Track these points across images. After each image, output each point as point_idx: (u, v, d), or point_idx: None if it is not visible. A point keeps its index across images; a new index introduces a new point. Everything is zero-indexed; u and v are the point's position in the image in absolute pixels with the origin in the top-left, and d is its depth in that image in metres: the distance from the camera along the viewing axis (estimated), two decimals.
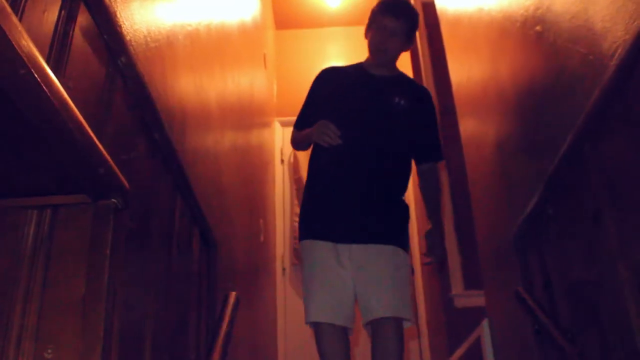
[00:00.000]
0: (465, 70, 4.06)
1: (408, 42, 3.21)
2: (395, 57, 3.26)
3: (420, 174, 3.28)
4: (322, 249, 2.90)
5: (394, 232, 2.97)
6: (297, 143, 3.36)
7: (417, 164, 3.27)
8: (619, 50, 1.71)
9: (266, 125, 6.09)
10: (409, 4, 3.28)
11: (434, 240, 3.11)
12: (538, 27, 2.42)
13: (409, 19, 3.13)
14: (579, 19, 2.03)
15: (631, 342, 1.77)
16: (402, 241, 2.97)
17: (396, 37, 3.11)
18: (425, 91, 3.41)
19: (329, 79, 3.31)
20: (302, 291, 2.96)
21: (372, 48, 3.21)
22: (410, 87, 3.33)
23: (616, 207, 1.87)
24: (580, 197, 2.14)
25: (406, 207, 3.14)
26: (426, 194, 3.26)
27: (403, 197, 3.15)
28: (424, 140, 3.24)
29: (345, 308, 2.81)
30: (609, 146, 1.89)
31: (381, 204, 2.99)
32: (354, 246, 2.88)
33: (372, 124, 3.07)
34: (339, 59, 7.35)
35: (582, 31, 2.01)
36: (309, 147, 3.21)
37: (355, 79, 3.26)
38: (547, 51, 2.36)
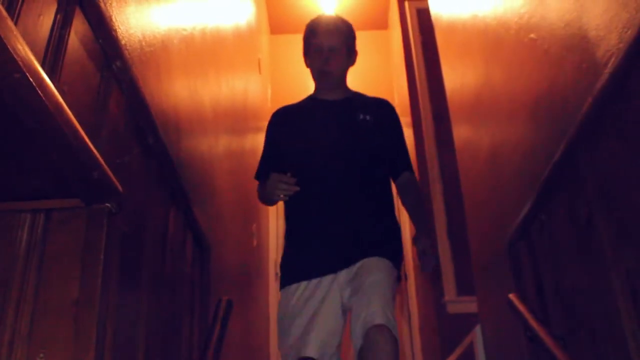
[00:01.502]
0: (459, 77, 4.07)
1: (350, 56, 3.00)
2: (343, 77, 3.01)
3: (398, 188, 2.98)
4: (307, 289, 2.59)
5: (377, 246, 2.67)
6: (264, 200, 2.94)
7: (393, 179, 2.99)
8: (613, 59, 1.71)
9: (260, 129, 6.06)
10: (336, 17, 3.09)
11: (423, 246, 2.78)
12: (532, 35, 2.43)
13: (342, 31, 2.94)
14: (573, 27, 2.04)
15: (623, 348, 1.77)
16: (386, 252, 2.67)
17: (335, 54, 2.88)
18: (386, 102, 3.11)
19: (283, 120, 3.03)
20: (280, 334, 2.63)
21: (316, 74, 2.97)
22: (370, 101, 3.06)
23: (608, 214, 1.88)
24: (573, 203, 2.14)
25: (393, 223, 2.86)
26: (408, 205, 2.96)
27: (390, 215, 2.87)
28: (395, 154, 2.97)
29: (337, 337, 2.56)
30: (601, 154, 1.90)
31: (363, 225, 2.71)
32: (341, 272, 2.61)
33: (340, 148, 2.80)
34: None
35: (576, 39, 2.02)
36: (276, 202, 2.84)
37: (310, 110, 3.00)
38: (541, 59, 2.37)
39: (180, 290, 2.29)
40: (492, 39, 3.10)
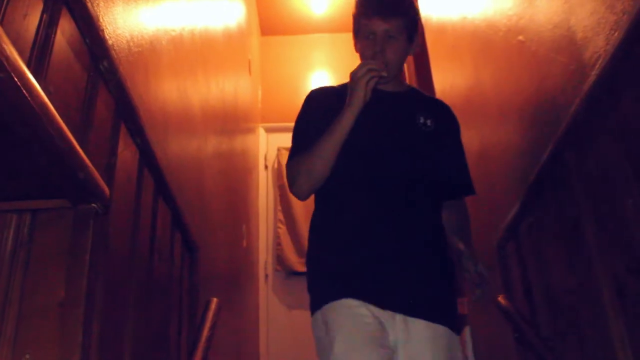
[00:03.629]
0: (448, 78, 4.08)
1: (411, 43, 2.25)
2: (399, 67, 2.31)
3: (447, 207, 2.34)
4: (363, 314, 1.97)
5: (449, 304, 2.12)
6: (310, 165, 2.11)
7: (446, 199, 2.34)
8: (600, 60, 1.72)
9: (250, 131, 6.08)
10: None
11: (480, 269, 2.09)
12: (521, 37, 2.44)
13: (404, 12, 2.19)
14: (561, 28, 2.04)
15: (610, 348, 1.78)
16: (456, 319, 2.11)
17: (393, 41, 2.16)
18: (447, 107, 2.45)
19: (330, 100, 2.26)
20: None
21: (367, 58, 2.19)
22: (431, 103, 2.43)
23: (596, 215, 1.89)
24: (561, 205, 2.15)
25: (451, 262, 2.23)
26: (456, 224, 2.32)
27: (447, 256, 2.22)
28: (455, 171, 2.34)
29: None
30: (589, 155, 1.91)
31: (430, 256, 2.11)
32: (399, 317, 1.99)
33: (400, 153, 2.17)
34: (324, 65, 7.36)
35: (564, 41, 2.02)
36: (329, 168, 2.10)
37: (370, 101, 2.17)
38: (529, 60, 2.37)
39: (168, 292, 2.28)
40: (481, 41, 3.10)
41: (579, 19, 1.91)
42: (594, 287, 1.87)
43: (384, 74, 2.05)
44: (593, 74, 1.75)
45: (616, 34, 1.64)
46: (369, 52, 2.19)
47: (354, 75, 2.04)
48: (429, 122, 2.26)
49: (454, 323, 2.06)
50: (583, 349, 2.04)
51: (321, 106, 2.30)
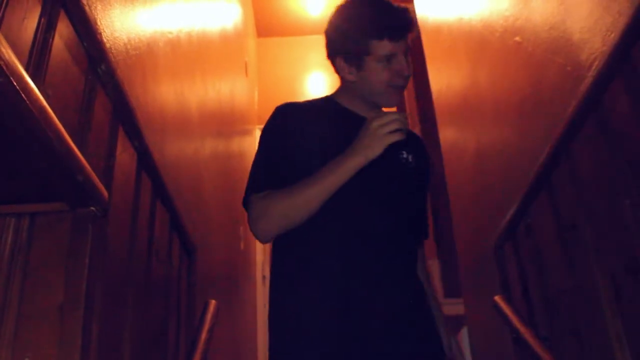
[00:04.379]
0: (445, 79, 4.08)
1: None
2: None
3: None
4: None
5: (434, 341, 1.88)
6: (289, 210, 1.76)
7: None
8: (597, 62, 1.73)
9: (247, 132, 6.08)
10: (406, 9, 1.89)
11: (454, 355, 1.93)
12: (517, 38, 2.45)
13: (414, 22, 1.89)
14: (558, 30, 2.05)
15: (608, 349, 1.78)
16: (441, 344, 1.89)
17: (408, 59, 1.87)
18: (423, 143, 2.16)
19: (299, 121, 1.93)
20: None
21: (379, 87, 1.85)
22: (410, 136, 1.98)
23: (592, 216, 1.89)
24: (558, 206, 2.16)
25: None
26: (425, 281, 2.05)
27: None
28: (423, 212, 2.11)
29: None
30: (585, 156, 1.91)
31: (412, 306, 1.83)
32: None
33: (385, 193, 1.88)
34: (320, 67, 7.35)
35: (561, 42, 2.03)
36: (312, 212, 1.75)
37: (341, 125, 1.92)
38: (525, 61, 2.38)
39: (167, 294, 2.28)
40: (477, 42, 3.11)
41: (575, 20, 1.92)
42: (592, 288, 1.88)
43: (404, 135, 1.65)
44: (589, 75, 1.76)
45: (612, 35, 1.65)
46: (387, 74, 1.82)
47: (375, 124, 1.64)
48: (410, 158, 1.96)
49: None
50: (581, 350, 2.05)
51: (293, 128, 1.90)
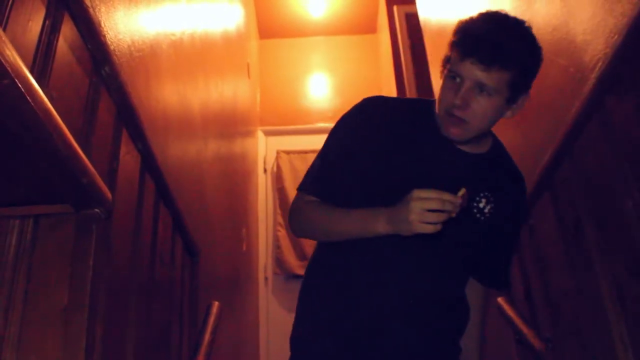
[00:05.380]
0: None
1: (511, 104, 1.64)
2: (481, 130, 1.66)
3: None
4: None
5: None
6: (313, 231, 1.77)
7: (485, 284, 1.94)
8: (600, 64, 1.73)
9: (249, 134, 6.08)
10: (518, 26, 1.61)
11: None
12: None
13: (516, 64, 1.55)
14: (560, 31, 2.05)
15: (611, 350, 1.78)
16: None
17: (484, 97, 1.57)
18: (521, 184, 1.86)
19: (380, 117, 1.75)
20: None
21: (438, 104, 1.67)
22: (503, 177, 1.79)
23: (595, 218, 1.89)
24: (561, 208, 2.15)
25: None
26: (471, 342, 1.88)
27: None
28: (495, 262, 1.90)
29: None
30: (589, 159, 1.91)
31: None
32: None
33: (445, 240, 1.63)
34: (322, 68, 7.36)
35: (564, 44, 2.03)
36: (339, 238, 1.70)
37: (432, 147, 1.72)
38: None
39: (170, 295, 2.28)
40: None
41: (578, 22, 1.92)
42: (595, 289, 1.88)
43: (453, 214, 1.46)
44: (592, 77, 1.76)
45: (616, 37, 1.65)
46: (448, 101, 1.60)
47: (415, 201, 1.46)
48: (487, 207, 1.69)
49: None
50: (584, 351, 2.05)
51: (370, 125, 1.73)
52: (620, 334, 1.76)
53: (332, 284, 1.72)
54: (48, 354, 1.34)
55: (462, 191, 1.46)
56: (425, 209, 1.44)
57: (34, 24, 1.26)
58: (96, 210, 1.46)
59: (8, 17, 1.12)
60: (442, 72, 1.68)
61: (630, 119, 1.64)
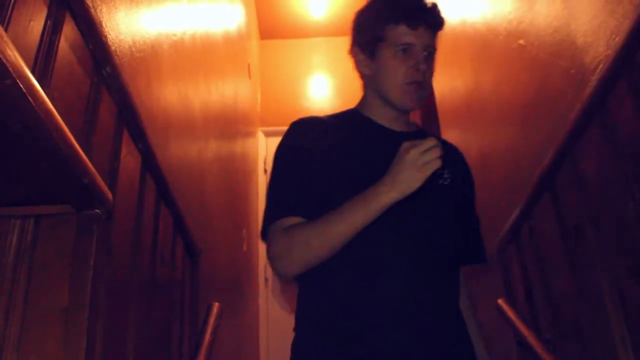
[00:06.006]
0: (448, 82, 4.08)
1: None
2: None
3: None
4: None
5: None
6: (314, 251, 1.52)
7: (467, 262, 1.87)
8: (601, 65, 1.73)
9: (250, 135, 6.08)
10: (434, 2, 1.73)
11: None
12: (521, 41, 2.45)
13: (442, 19, 1.72)
14: (561, 33, 2.05)
15: (612, 352, 1.78)
16: None
17: (430, 61, 1.69)
18: (460, 153, 1.95)
19: (317, 133, 1.70)
20: None
21: (394, 81, 1.66)
22: (445, 147, 1.59)
23: (596, 219, 1.89)
24: (562, 209, 2.15)
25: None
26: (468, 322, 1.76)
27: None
28: (468, 232, 1.82)
29: None
30: (589, 159, 1.91)
31: (449, 339, 1.59)
32: None
33: (416, 218, 1.61)
34: (323, 69, 7.36)
35: (565, 45, 2.03)
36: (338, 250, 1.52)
37: (369, 140, 1.72)
38: (529, 64, 2.38)
39: (170, 296, 2.28)
40: (481, 45, 3.11)
41: (579, 23, 1.92)
42: (596, 290, 1.87)
43: (440, 151, 1.42)
44: (594, 79, 1.76)
45: (617, 38, 1.65)
46: (405, 72, 1.62)
47: (412, 155, 1.40)
48: (446, 172, 1.64)
49: None
50: (585, 353, 2.05)
51: (310, 146, 1.66)
52: (621, 335, 1.76)
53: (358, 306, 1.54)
54: (48, 354, 1.34)
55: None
56: (420, 152, 1.39)
57: (35, 24, 1.26)
58: (97, 210, 1.46)
59: (10, 17, 1.12)
60: (368, 51, 1.71)
61: (631, 121, 1.64)
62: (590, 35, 1.84)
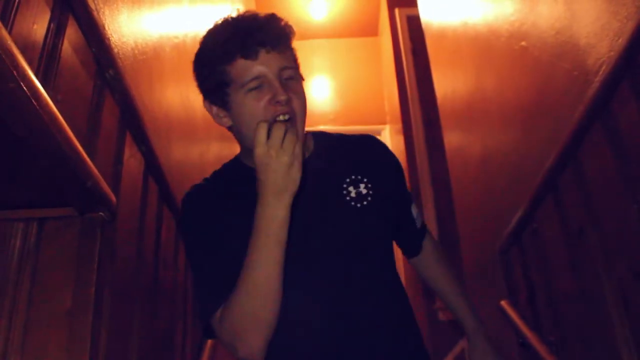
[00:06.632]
0: (450, 84, 4.08)
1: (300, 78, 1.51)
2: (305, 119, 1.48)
3: (418, 262, 1.84)
4: None
5: None
6: (252, 293, 1.31)
7: (409, 255, 1.82)
8: (604, 67, 1.73)
9: None
10: (262, 15, 1.52)
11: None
12: (523, 42, 2.44)
13: (291, 37, 1.54)
14: (564, 34, 2.05)
15: (615, 353, 1.78)
16: None
17: (294, 83, 1.46)
18: (370, 140, 1.71)
19: (207, 204, 1.51)
20: None
21: (254, 126, 1.31)
22: (352, 149, 1.64)
23: (600, 221, 1.89)
24: (565, 211, 2.15)
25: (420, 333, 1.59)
26: (442, 282, 1.81)
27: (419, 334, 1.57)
28: (406, 223, 1.73)
29: None
30: (593, 162, 1.91)
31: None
32: None
33: (336, 256, 1.45)
34: (323, 70, 7.36)
35: (567, 47, 2.03)
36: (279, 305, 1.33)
37: (253, 189, 1.34)
38: (532, 66, 2.38)
39: (173, 298, 2.28)
40: (482, 46, 3.11)
41: (582, 25, 1.91)
42: (598, 292, 1.87)
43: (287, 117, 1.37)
44: (597, 81, 1.76)
45: (620, 40, 1.64)
46: (266, 109, 1.39)
47: (273, 149, 1.22)
48: (362, 187, 1.52)
49: None
50: (588, 354, 2.04)
51: (205, 220, 1.47)
52: (624, 337, 1.76)
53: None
54: (52, 357, 1.34)
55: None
56: (278, 147, 1.22)
57: (39, 27, 1.26)
58: (100, 213, 1.46)
59: (13, 20, 1.12)
60: (219, 101, 1.48)
61: (635, 123, 1.63)
62: (593, 37, 1.84)
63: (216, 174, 1.62)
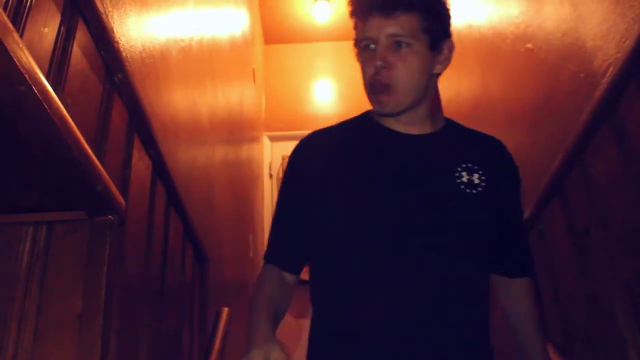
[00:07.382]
0: (455, 86, 4.08)
1: (436, 52, 1.47)
2: (417, 92, 1.45)
3: (508, 295, 1.65)
4: None
5: None
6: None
7: (508, 275, 1.61)
8: (611, 69, 1.73)
9: (255, 139, 6.08)
10: None
11: None
12: (529, 45, 2.44)
13: (419, 3, 1.41)
14: (570, 37, 2.05)
15: (623, 355, 1.77)
16: None
17: (404, 50, 1.40)
18: (499, 143, 1.62)
19: (321, 153, 1.51)
20: None
21: (367, 84, 1.45)
22: (478, 143, 1.59)
23: (606, 223, 1.89)
24: (571, 213, 2.15)
25: None
26: (521, 326, 1.65)
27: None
28: (513, 240, 1.58)
29: None
30: (599, 163, 1.91)
31: None
32: None
33: (432, 234, 1.37)
34: (327, 73, 7.36)
35: (573, 49, 2.03)
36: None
37: (378, 149, 1.47)
38: (538, 68, 2.38)
39: (181, 302, 2.28)
40: (488, 49, 3.11)
41: (588, 27, 1.91)
42: (605, 294, 1.87)
43: None
44: (603, 82, 1.76)
45: (627, 42, 1.65)
46: (369, 70, 1.42)
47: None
48: (474, 176, 1.44)
49: None
50: (595, 355, 2.04)
51: (312, 173, 1.47)
52: (632, 339, 1.75)
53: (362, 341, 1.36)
54: None
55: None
56: None
57: (49, 30, 1.26)
58: (110, 217, 1.46)
59: (25, 23, 1.12)
60: (356, 55, 1.49)
61: None
62: (600, 39, 1.84)
63: (343, 123, 1.62)
